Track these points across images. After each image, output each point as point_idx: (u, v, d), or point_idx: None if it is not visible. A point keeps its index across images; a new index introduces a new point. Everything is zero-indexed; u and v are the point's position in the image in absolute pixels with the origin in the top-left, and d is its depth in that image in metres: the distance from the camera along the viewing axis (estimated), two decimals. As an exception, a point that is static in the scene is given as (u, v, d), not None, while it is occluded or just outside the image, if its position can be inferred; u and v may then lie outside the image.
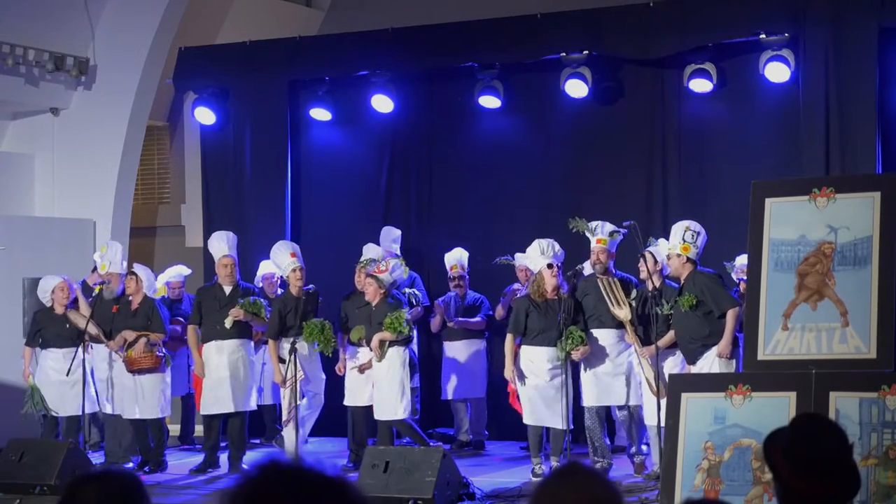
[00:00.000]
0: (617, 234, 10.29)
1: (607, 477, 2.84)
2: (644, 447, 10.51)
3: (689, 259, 9.78)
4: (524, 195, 12.92)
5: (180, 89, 14.44)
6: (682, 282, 9.81)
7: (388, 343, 10.64)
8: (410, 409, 10.76)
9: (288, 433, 10.93)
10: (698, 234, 9.83)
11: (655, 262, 9.99)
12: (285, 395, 10.88)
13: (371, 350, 10.71)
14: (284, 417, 10.94)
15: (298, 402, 10.80)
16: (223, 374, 11.03)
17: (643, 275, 10.12)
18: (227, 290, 11.14)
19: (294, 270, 11.02)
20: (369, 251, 11.31)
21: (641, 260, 10.01)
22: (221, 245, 11.20)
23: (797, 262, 8.12)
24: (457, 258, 12.17)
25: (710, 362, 9.61)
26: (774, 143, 11.96)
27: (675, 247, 9.81)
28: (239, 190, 13.89)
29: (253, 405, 11.40)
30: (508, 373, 10.34)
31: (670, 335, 9.94)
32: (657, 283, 10.03)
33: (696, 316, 9.71)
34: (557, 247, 10.39)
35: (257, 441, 12.57)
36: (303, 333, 10.85)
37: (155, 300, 11.36)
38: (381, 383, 10.70)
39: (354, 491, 2.40)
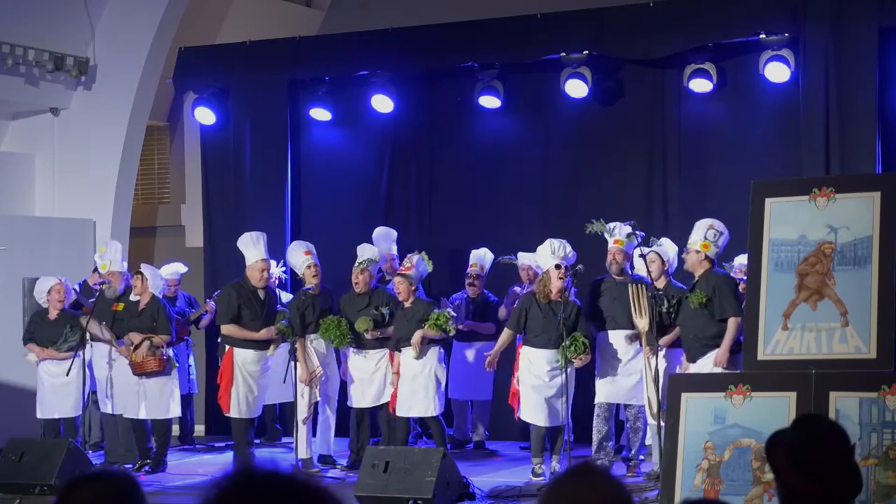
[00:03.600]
0: (634, 237, 10.23)
1: (618, 478, 2.81)
2: (641, 455, 10.51)
3: (707, 257, 9.73)
4: (524, 195, 12.90)
5: (180, 89, 14.43)
6: (696, 279, 9.77)
7: (427, 341, 10.68)
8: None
9: (301, 433, 10.97)
10: (721, 234, 9.76)
11: (663, 262, 9.95)
12: (304, 393, 10.98)
13: (411, 346, 10.67)
14: (305, 415, 11.01)
15: (314, 400, 11.00)
16: (262, 382, 11.11)
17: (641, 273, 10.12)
18: (262, 294, 11.12)
19: (309, 267, 11.08)
20: (364, 251, 11.29)
21: (640, 259, 10.01)
22: (259, 248, 11.09)
23: (797, 262, 8.11)
24: (479, 257, 12.03)
25: (710, 366, 9.56)
26: (774, 143, 11.95)
27: (696, 242, 9.74)
28: (239, 190, 13.88)
29: None
30: (490, 358, 10.39)
31: (674, 332, 9.93)
32: (662, 284, 10.02)
33: (703, 314, 9.66)
34: (569, 248, 10.33)
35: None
36: (319, 329, 10.92)
37: (162, 301, 11.30)
38: (415, 380, 10.66)
39: (329, 497, 2.36)
